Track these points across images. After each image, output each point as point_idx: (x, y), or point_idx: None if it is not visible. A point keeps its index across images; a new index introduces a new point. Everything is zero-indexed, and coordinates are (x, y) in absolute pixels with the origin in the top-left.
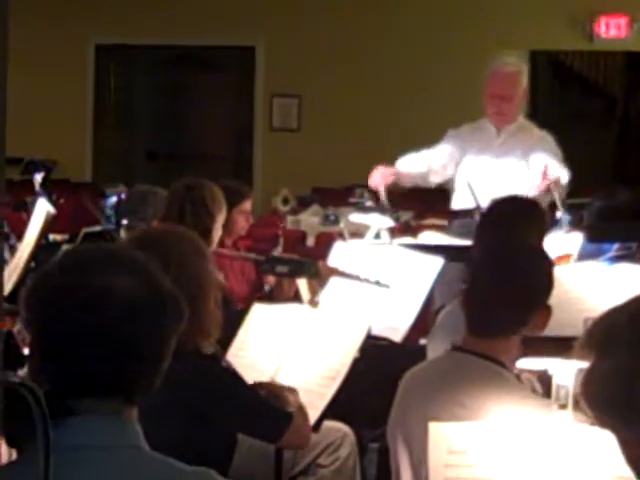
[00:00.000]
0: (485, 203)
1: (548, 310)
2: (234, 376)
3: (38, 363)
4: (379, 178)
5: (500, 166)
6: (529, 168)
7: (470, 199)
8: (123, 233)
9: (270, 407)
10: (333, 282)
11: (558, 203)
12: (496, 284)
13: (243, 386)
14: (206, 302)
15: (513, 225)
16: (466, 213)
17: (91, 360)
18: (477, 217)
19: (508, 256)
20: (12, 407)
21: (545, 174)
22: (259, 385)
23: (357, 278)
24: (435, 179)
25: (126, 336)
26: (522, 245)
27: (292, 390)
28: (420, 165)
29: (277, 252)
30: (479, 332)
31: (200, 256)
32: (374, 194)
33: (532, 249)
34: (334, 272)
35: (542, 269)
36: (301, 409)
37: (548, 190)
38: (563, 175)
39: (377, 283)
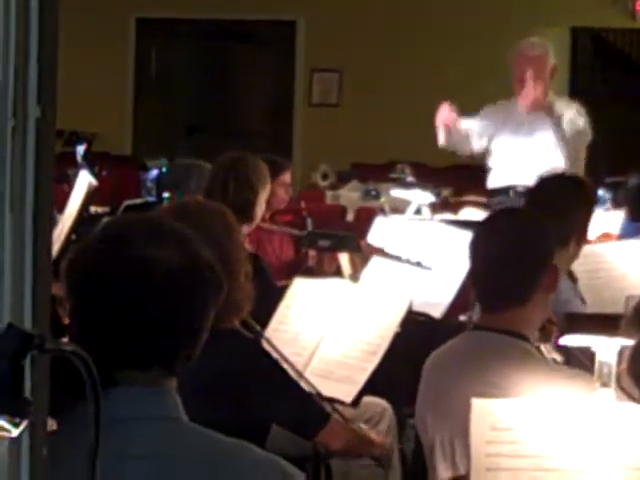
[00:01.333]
0: (521, 181)
1: (555, 270)
2: (274, 364)
3: (77, 333)
4: (445, 115)
5: (532, 145)
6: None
7: (505, 178)
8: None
9: (309, 402)
10: (374, 261)
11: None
12: (495, 254)
13: (282, 374)
14: (236, 276)
15: (560, 203)
16: (501, 191)
17: (130, 331)
18: (512, 195)
19: (502, 225)
20: (54, 376)
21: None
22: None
23: (399, 259)
24: (474, 144)
25: (165, 307)
26: (515, 211)
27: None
28: (463, 125)
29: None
30: (492, 307)
31: (228, 230)
32: (415, 170)
33: (525, 213)
34: (375, 251)
35: (539, 231)
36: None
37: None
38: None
39: (419, 265)
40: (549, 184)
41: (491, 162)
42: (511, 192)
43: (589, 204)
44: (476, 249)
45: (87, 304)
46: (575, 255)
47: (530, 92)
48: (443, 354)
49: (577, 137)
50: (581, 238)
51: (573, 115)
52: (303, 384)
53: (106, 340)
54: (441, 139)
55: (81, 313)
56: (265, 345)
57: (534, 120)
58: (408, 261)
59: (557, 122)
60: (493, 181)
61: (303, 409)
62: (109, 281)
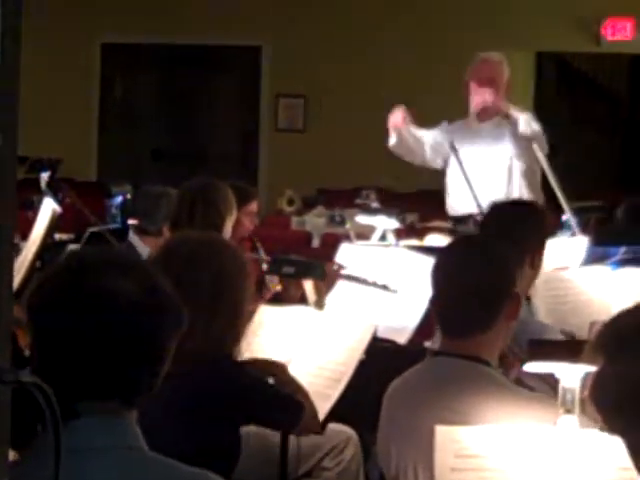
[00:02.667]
0: (480, 207)
1: (517, 298)
2: (249, 373)
3: (39, 364)
4: (398, 118)
5: (487, 159)
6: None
7: (463, 203)
8: (133, 234)
9: (284, 398)
10: (340, 285)
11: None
12: (457, 281)
13: (258, 381)
14: (242, 317)
15: (512, 228)
16: (461, 220)
17: (91, 362)
18: (471, 224)
19: (464, 251)
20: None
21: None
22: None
23: (364, 282)
24: (427, 154)
25: (126, 339)
26: (477, 239)
27: (281, 366)
28: (417, 133)
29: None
30: (454, 333)
31: (242, 275)
32: (380, 196)
33: (488, 241)
34: (341, 275)
35: (502, 259)
36: (306, 396)
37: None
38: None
39: (384, 288)
40: (501, 209)
41: (448, 187)
42: (471, 221)
43: (542, 228)
44: (438, 276)
45: (48, 335)
46: (532, 279)
47: (490, 93)
48: (404, 382)
49: (535, 137)
50: (535, 262)
51: (528, 117)
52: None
53: (67, 371)
54: (391, 140)
55: (42, 344)
56: None
57: (490, 132)
58: (374, 284)
59: (514, 124)
60: (452, 208)
61: (282, 406)
62: (70, 312)
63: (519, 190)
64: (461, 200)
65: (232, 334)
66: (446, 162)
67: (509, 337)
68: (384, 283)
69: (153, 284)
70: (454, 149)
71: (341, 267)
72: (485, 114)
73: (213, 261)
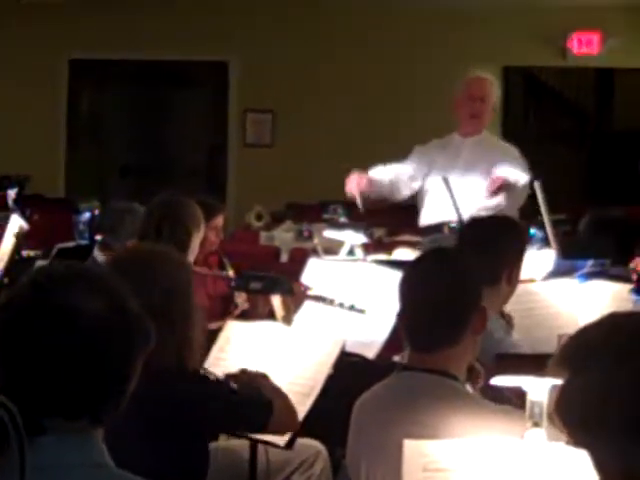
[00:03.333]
0: (455, 217)
1: (484, 312)
2: (209, 382)
3: (5, 381)
4: (354, 184)
5: (466, 182)
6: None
7: (438, 214)
8: (97, 250)
9: (249, 400)
10: (307, 304)
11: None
12: (425, 296)
13: (219, 388)
14: (191, 326)
15: (491, 242)
16: (434, 228)
17: (57, 380)
18: (446, 231)
19: (432, 267)
20: None
21: (495, 179)
22: (232, 377)
23: (332, 302)
24: (404, 191)
25: (92, 356)
26: (444, 253)
27: (263, 375)
28: (389, 174)
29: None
30: (421, 347)
31: (189, 279)
32: (349, 208)
33: (454, 255)
34: (308, 295)
35: (467, 273)
36: (277, 391)
37: (499, 191)
38: (521, 177)
39: (352, 308)
40: (481, 224)
41: (423, 200)
42: (445, 228)
43: (520, 244)
44: (405, 290)
45: (14, 352)
46: (508, 294)
47: (480, 109)
48: (372, 396)
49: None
50: (513, 277)
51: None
52: None
53: (33, 389)
54: (360, 205)
55: (8, 361)
56: None
57: (470, 154)
58: (341, 305)
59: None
60: (424, 219)
61: (247, 408)
62: (36, 330)
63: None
64: (436, 212)
65: (186, 345)
66: (425, 179)
67: (477, 350)
68: (351, 304)
69: (121, 302)
70: (446, 181)
71: (308, 288)
72: (472, 128)
73: (161, 275)
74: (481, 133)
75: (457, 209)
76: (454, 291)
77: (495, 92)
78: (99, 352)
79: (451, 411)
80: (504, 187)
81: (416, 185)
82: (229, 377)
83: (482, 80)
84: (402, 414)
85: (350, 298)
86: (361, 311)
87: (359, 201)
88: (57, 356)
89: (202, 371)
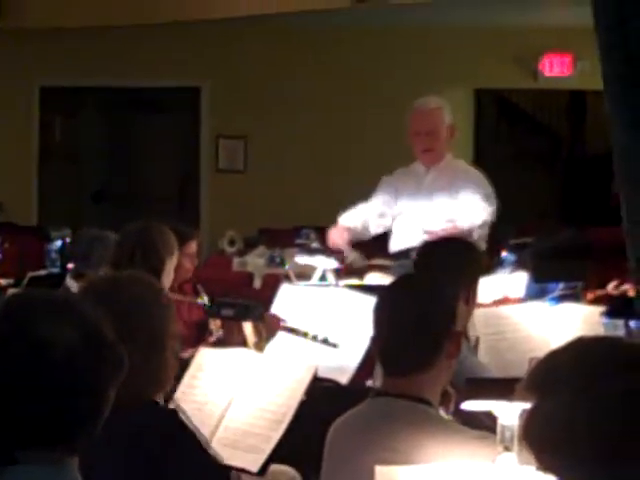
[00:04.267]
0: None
1: (457, 336)
2: (191, 435)
3: None
4: (337, 237)
5: (431, 207)
6: (452, 207)
7: (406, 241)
8: (69, 278)
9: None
10: (280, 335)
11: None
12: (397, 320)
13: (197, 446)
14: (162, 352)
15: (445, 267)
16: (403, 254)
17: (30, 410)
18: (414, 256)
19: (404, 290)
20: None
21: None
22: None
23: (304, 336)
24: (375, 229)
25: (65, 387)
26: (418, 277)
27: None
28: (358, 219)
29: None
30: (394, 372)
31: (157, 305)
32: (321, 236)
33: (429, 280)
34: (281, 327)
35: (441, 297)
36: None
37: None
38: (477, 217)
39: (325, 342)
40: (434, 247)
41: (392, 226)
42: (412, 254)
43: (476, 264)
44: (378, 316)
45: None
46: (467, 315)
47: (429, 144)
48: (346, 422)
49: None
50: (470, 298)
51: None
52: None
53: (6, 420)
54: (349, 255)
55: None
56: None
57: (433, 180)
58: (314, 338)
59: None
60: (395, 244)
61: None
62: (7, 361)
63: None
64: (404, 238)
65: (150, 375)
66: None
67: (450, 374)
68: (325, 337)
69: (93, 330)
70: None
71: (280, 320)
72: (428, 160)
73: (135, 302)
74: (442, 161)
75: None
76: (425, 317)
77: (446, 116)
78: (72, 382)
79: (424, 437)
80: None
81: (386, 222)
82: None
83: (425, 113)
84: (375, 439)
85: (323, 329)
86: (334, 345)
87: (348, 251)
88: (30, 388)
89: (172, 404)
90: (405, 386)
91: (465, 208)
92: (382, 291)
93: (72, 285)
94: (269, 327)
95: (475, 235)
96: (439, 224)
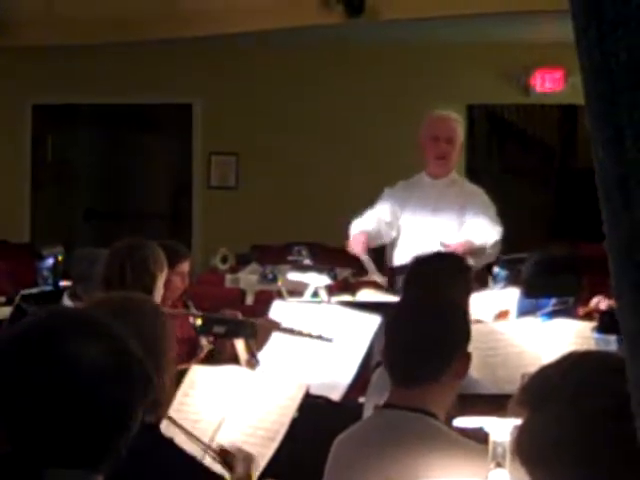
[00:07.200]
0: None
1: (467, 357)
2: (174, 447)
3: (4, 430)
4: (357, 246)
5: (436, 222)
6: (463, 227)
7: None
8: (66, 298)
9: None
10: (275, 338)
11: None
12: (409, 332)
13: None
14: (161, 376)
15: (437, 282)
16: (404, 269)
17: (58, 428)
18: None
19: (422, 306)
20: None
21: (458, 246)
22: (221, 452)
23: (299, 333)
24: (385, 239)
25: (94, 405)
26: (437, 295)
27: (248, 458)
28: (370, 224)
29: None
30: (401, 382)
31: (162, 329)
32: (311, 251)
33: (447, 299)
34: (276, 327)
35: (458, 317)
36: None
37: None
38: (489, 237)
39: (320, 337)
40: (426, 263)
41: (397, 239)
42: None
43: (466, 280)
44: (390, 327)
45: (14, 403)
46: None
47: (446, 150)
48: (350, 436)
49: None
50: None
51: (481, 219)
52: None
53: (32, 438)
54: (367, 263)
55: (8, 411)
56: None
57: (440, 194)
58: (309, 334)
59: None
60: (398, 258)
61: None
62: (37, 381)
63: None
64: (409, 252)
65: (160, 394)
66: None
67: (454, 397)
68: (319, 333)
69: (121, 347)
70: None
71: (275, 323)
72: (439, 170)
73: (141, 324)
74: (450, 174)
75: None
76: (437, 328)
77: (462, 131)
78: (101, 400)
79: (430, 448)
80: (468, 252)
81: (393, 232)
82: (220, 451)
83: (447, 120)
84: (380, 451)
85: (317, 330)
86: (329, 340)
87: (367, 260)
88: (58, 406)
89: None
90: (412, 398)
91: (477, 227)
92: (397, 304)
93: (69, 305)
94: (264, 332)
95: (489, 252)
96: (455, 238)
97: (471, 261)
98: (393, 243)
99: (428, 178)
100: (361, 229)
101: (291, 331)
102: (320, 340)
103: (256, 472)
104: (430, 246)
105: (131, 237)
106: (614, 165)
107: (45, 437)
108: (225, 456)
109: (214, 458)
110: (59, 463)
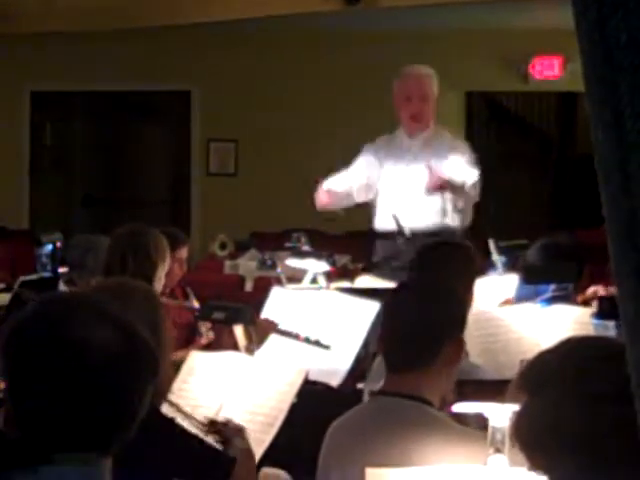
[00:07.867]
0: (406, 221)
1: (459, 343)
2: (172, 424)
3: (13, 412)
4: (324, 197)
5: (415, 176)
6: (447, 167)
7: (389, 218)
8: (62, 284)
9: (211, 454)
10: (272, 338)
11: (452, 205)
12: (403, 317)
13: (182, 434)
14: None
15: (442, 270)
16: (387, 235)
17: (68, 412)
18: (399, 240)
19: (413, 290)
20: None
21: (434, 176)
22: (211, 425)
23: (296, 337)
24: (359, 198)
25: (104, 388)
26: (431, 280)
27: (241, 430)
28: (341, 185)
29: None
30: (395, 368)
31: (161, 317)
32: (310, 238)
33: (442, 284)
34: (274, 329)
35: (449, 302)
36: (248, 452)
37: (440, 189)
38: (468, 176)
39: (317, 343)
40: (431, 252)
41: (376, 202)
42: (398, 237)
43: (470, 268)
44: (387, 312)
45: (24, 385)
46: None
47: (420, 108)
48: (346, 422)
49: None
50: (466, 299)
51: (463, 166)
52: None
53: (42, 421)
54: (339, 211)
55: (17, 393)
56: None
57: (419, 149)
58: (307, 340)
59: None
60: (379, 223)
61: (206, 461)
62: (47, 364)
63: (451, 205)
64: (388, 216)
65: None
66: (377, 179)
67: (451, 384)
68: (317, 339)
69: (129, 331)
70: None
71: (273, 324)
72: (417, 128)
73: (138, 310)
74: (428, 129)
75: (404, 235)
76: (425, 313)
77: (435, 84)
78: (111, 383)
79: (425, 436)
80: (445, 186)
81: (371, 194)
82: (210, 423)
83: (419, 77)
84: (374, 437)
85: (315, 332)
86: (326, 347)
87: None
88: (68, 388)
89: (168, 406)
90: (406, 384)
91: (456, 166)
92: (394, 290)
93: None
94: (262, 331)
95: (469, 193)
96: (439, 171)
97: (460, 203)
98: (373, 205)
99: (406, 136)
100: (329, 187)
101: (288, 334)
102: (317, 346)
103: (256, 458)
104: (408, 206)
105: (132, 223)
106: (614, 148)
107: (56, 421)
108: (215, 427)
109: (206, 432)
110: (69, 447)
